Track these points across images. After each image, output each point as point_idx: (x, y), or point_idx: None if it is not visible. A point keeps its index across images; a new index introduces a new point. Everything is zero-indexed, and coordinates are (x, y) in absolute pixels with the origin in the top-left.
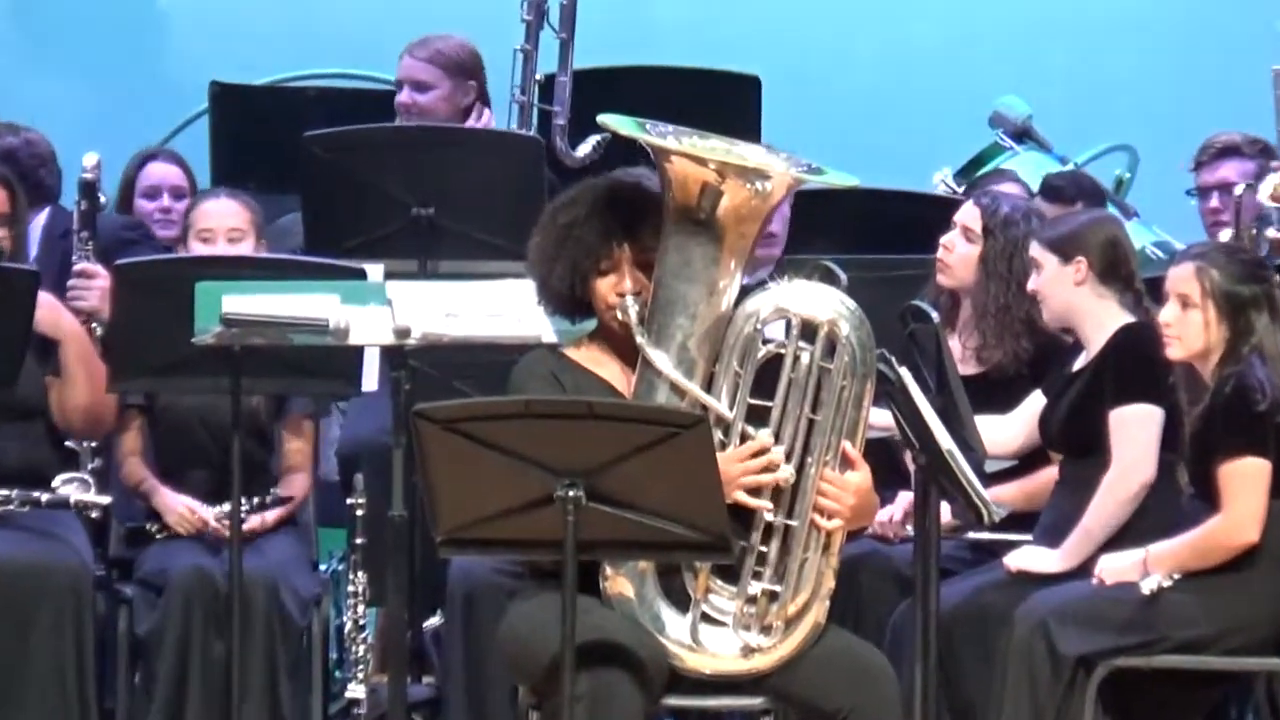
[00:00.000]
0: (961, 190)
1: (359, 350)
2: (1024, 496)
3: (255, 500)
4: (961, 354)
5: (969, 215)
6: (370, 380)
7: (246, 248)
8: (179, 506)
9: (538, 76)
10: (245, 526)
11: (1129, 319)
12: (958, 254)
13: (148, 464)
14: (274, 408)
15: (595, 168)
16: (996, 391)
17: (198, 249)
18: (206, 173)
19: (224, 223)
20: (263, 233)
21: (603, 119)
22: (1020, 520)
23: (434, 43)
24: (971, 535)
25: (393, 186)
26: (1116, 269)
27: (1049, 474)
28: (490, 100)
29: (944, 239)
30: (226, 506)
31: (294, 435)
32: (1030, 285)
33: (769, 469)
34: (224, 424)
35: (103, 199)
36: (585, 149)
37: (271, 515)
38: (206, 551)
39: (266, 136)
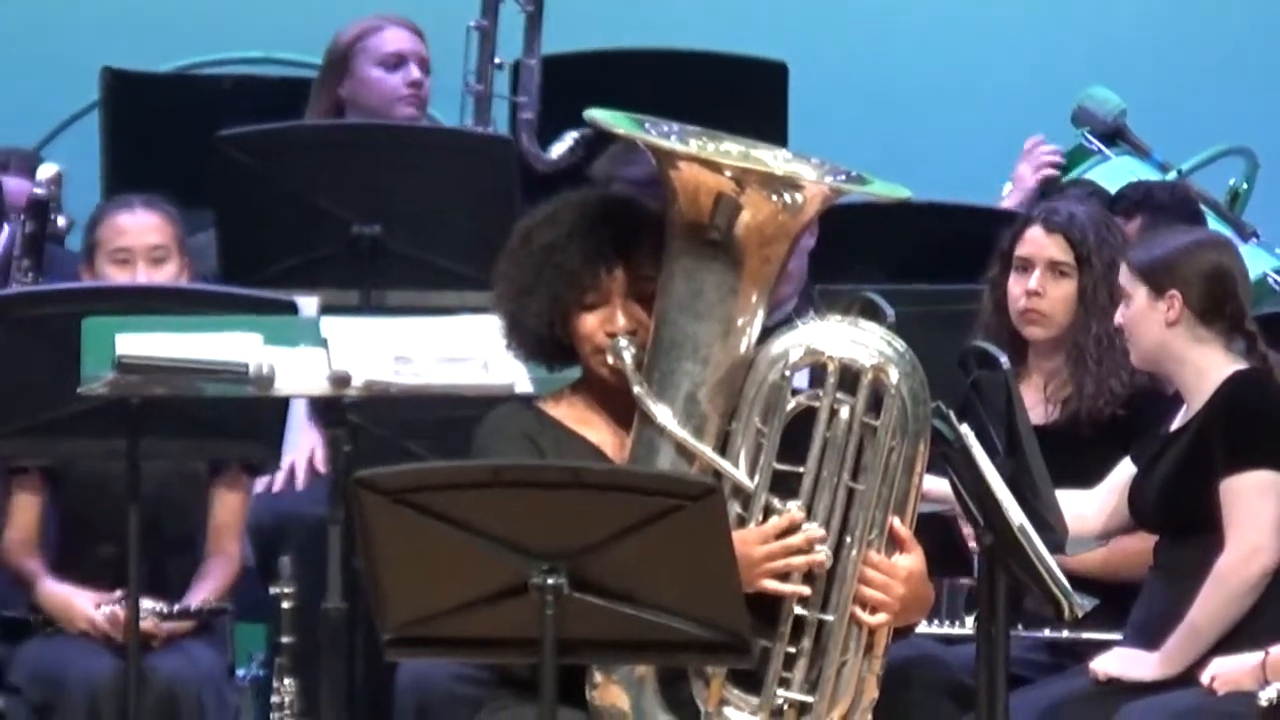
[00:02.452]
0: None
1: (284, 403)
2: (1102, 565)
3: (161, 608)
4: (1044, 404)
5: (1052, 247)
6: (295, 440)
7: (170, 272)
8: (82, 607)
9: (497, 60)
10: (152, 628)
11: (1239, 365)
12: (1053, 298)
13: (45, 538)
14: (205, 465)
15: (574, 173)
16: (1078, 449)
17: (111, 275)
18: (96, 181)
19: (144, 239)
20: (185, 251)
21: (591, 114)
22: (1110, 614)
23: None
24: (1048, 634)
25: (329, 198)
26: (1220, 307)
27: (1137, 541)
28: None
29: (1031, 285)
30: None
31: (227, 500)
32: (1117, 318)
33: (799, 551)
34: (141, 489)
35: (62, 222)
36: (561, 148)
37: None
38: (106, 652)
39: (172, 136)
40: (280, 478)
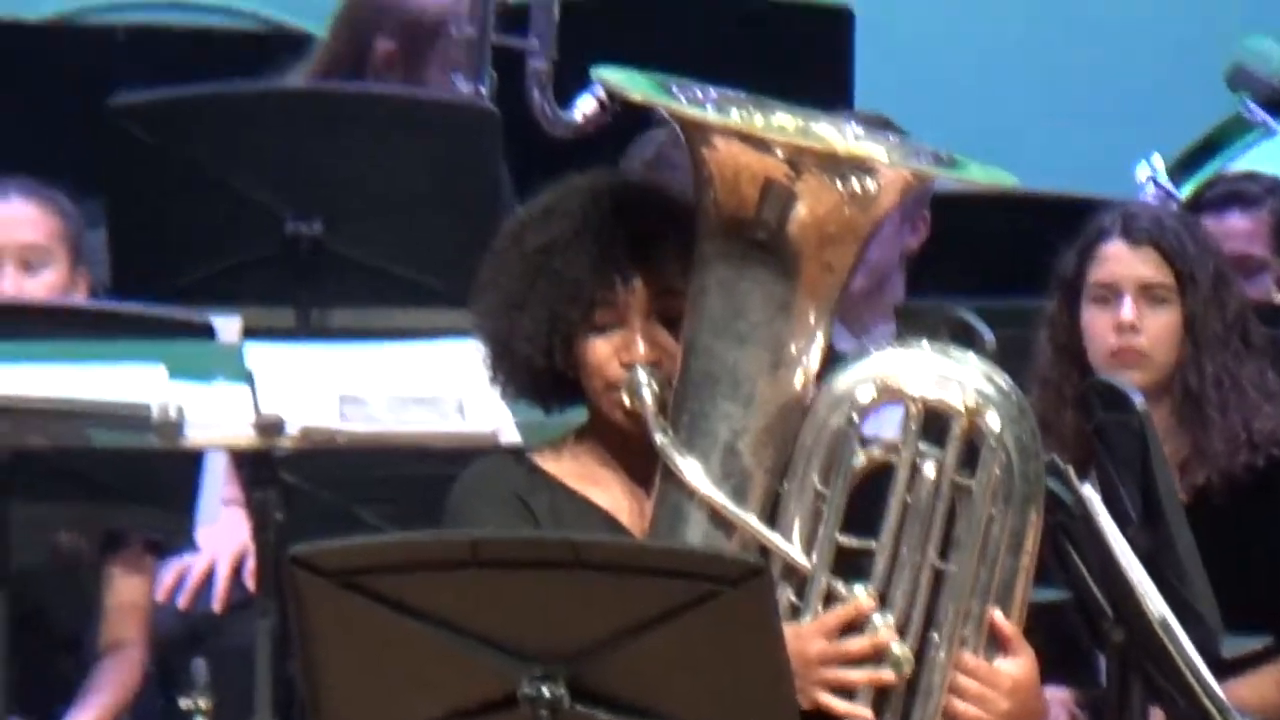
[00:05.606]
0: (1182, 195)
1: (197, 459)
2: None
3: None
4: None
5: (1141, 265)
6: (212, 507)
7: (51, 283)
8: None
9: None
10: None
11: None
12: (1152, 331)
13: None
14: (98, 537)
15: (601, 142)
16: (1217, 529)
17: None
18: None
19: (13, 235)
20: (81, 254)
21: (601, 74)
22: None
23: None
24: None
25: (256, 186)
26: None
27: None
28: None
29: (1123, 315)
30: None
31: (126, 584)
32: None
33: (872, 652)
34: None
35: None
36: (586, 108)
37: None
38: None
39: (49, 104)
40: (190, 588)
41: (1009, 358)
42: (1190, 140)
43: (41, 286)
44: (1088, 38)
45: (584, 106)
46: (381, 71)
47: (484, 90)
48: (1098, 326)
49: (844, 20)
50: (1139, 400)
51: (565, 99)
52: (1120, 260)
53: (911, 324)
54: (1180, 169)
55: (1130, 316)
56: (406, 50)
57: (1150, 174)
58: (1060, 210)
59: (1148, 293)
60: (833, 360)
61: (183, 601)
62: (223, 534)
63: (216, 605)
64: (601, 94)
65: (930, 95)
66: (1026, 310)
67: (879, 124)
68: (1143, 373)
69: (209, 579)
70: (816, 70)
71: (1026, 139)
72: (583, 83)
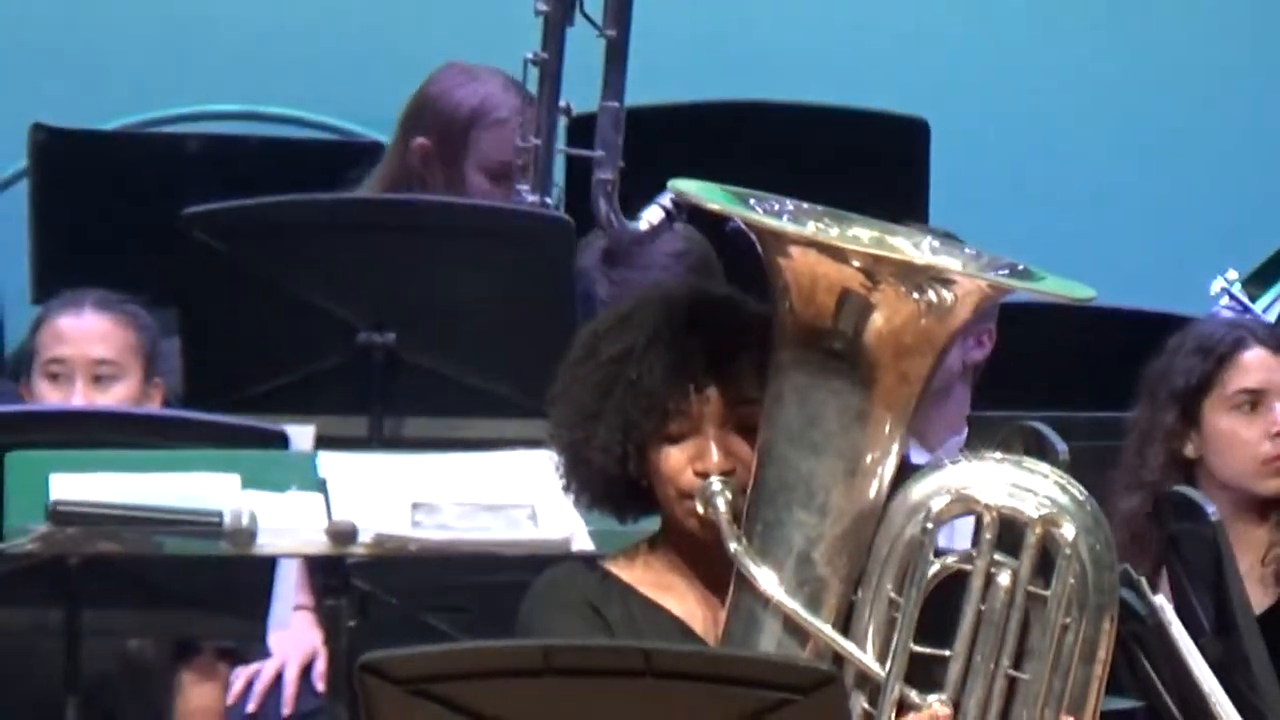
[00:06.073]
0: (1263, 309)
1: (271, 566)
2: None
3: None
4: (1259, 579)
5: (1275, 370)
6: (285, 614)
7: (122, 393)
8: None
9: (564, 104)
10: None
11: None
12: None
13: None
14: (170, 644)
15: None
16: None
17: (44, 394)
18: (23, 269)
19: (85, 350)
20: (156, 366)
21: (675, 185)
22: None
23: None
24: None
25: (328, 296)
26: None
27: None
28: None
29: (1269, 426)
30: None
31: (198, 694)
32: None
33: None
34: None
35: None
36: (652, 217)
37: None
38: None
39: (123, 213)
40: (258, 691)
41: (1082, 469)
42: (1262, 253)
43: (111, 401)
44: (1160, 152)
45: (650, 216)
46: (418, 168)
47: (549, 201)
48: (1244, 434)
49: (919, 131)
50: (1212, 511)
51: (633, 207)
52: (1268, 367)
53: (984, 435)
54: (1254, 283)
55: (1276, 426)
56: (441, 146)
57: (1225, 287)
58: (1132, 324)
59: None
60: (904, 471)
61: (251, 705)
62: (292, 638)
63: (285, 709)
64: (668, 204)
65: (1002, 207)
66: (1099, 422)
67: (948, 239)
68: None
69: (278, 683)
70: (891, 181)
71: (1103, 250)
72: (651, 191)
